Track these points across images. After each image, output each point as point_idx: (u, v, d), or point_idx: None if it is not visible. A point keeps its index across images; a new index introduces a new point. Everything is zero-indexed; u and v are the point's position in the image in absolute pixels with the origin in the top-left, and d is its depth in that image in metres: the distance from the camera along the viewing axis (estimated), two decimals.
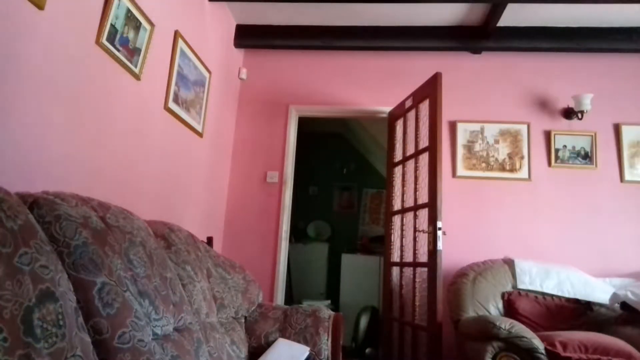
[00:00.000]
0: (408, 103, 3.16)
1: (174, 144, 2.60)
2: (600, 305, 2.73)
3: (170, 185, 2.56)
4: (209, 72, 3.01)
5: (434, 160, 2.67)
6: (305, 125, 3.92)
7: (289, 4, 3.21)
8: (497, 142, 3.39)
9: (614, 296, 2.65)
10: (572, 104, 3.33)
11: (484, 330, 2.26)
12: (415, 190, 2.96)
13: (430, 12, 3.24)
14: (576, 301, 2.76)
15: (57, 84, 1.63)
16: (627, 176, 3.25)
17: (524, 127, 3.39)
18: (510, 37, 3.36)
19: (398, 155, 3.31)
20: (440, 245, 2.54)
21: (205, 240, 2.98)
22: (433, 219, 2.60)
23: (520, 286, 2.83)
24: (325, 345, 1.91)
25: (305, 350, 1.85)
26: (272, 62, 3.77)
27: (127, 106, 2.09)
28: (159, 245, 1.47)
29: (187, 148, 2.78)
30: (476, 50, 3.52)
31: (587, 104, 3.21)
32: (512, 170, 3.34)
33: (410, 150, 3.10)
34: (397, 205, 3.25)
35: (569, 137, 3.34)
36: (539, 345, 2.12)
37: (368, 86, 3.61)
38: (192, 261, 1.67)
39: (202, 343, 1.39)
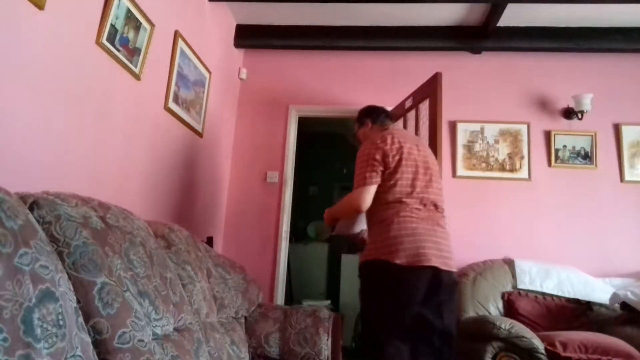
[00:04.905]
0: (408, 103, 3.15)
1: (174, 144, 2.60)
2: (600, 305, 2.73)
3: (170, 185, 2.56)
4: (209, 72, 3.01)
5: None
6: (305, 125, 3.92)
7: (290, 4, 3.20)
8: (497, 142, 3.40)
9: (614, 296, 2.65)
10: (572, 104, 3.32)
11: (484, 330, 2.27)
12: None
13: (430, 12, 3.24)
14: (576, 301, 2.76)
15: (57, 84, 1.63)
16: (627, 176, 3.24)
17: (524, 127, 3.39)
18: (510, 37, 3.36)
19: None
20: None
21: (205, 240, 2.98)
22: None
23: (520, 286, 2.83)
24: (325, 345, 1.90)
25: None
26: (272, 62, 3.77)
27: (127, 106, 2.09)
28: (159, 245, 1.47)
29: (187, 148, 2.78)
30: (476, 50, 3.52)
31: (587, 104, 3.21)
32: (512, 170, 3.34)
33: None
34: None
35: (569, 137, 3.34)
36: (539, 345, 2.12)
37: (368, 86, 3.60)
38: (192, 261, 1.67)
39: (202, 343, 1.39)
